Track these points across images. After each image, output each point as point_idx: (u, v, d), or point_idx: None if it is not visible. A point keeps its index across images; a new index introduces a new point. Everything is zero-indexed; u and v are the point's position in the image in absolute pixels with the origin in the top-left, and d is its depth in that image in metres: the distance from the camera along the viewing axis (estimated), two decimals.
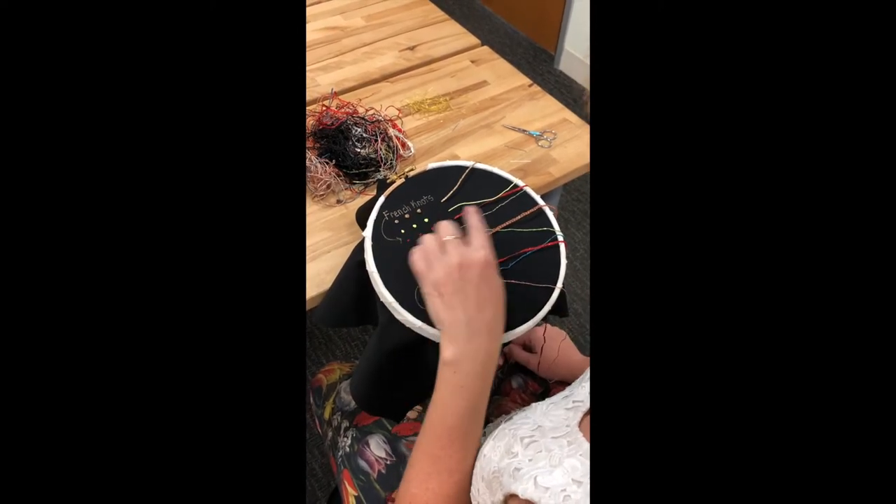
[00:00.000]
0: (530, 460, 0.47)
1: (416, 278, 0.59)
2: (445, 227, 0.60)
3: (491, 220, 0.69)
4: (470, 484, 0.55)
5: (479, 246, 0.58)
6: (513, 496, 0.47)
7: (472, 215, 0.61)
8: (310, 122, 0.90)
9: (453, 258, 0.56)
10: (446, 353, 0.55)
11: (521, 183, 0.72)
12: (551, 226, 0.69)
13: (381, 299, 0.63)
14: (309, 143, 0.88)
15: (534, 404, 0.58)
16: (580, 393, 0.54)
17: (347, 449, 0.79)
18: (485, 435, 0.60)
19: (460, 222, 0.68)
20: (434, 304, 0.57)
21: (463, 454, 0.54)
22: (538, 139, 0.94)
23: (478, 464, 0.55)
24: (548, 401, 0.57)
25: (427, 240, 0.59)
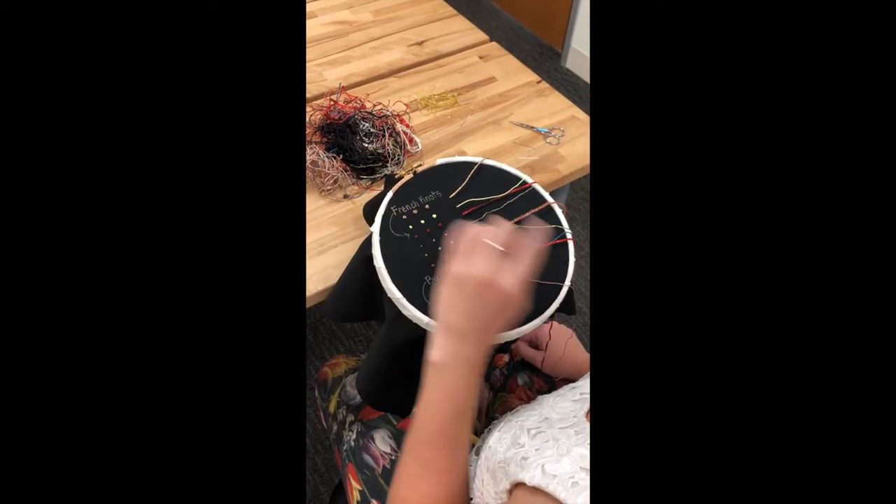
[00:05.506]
0: (537, 450, 0.47)
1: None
2: (504, 233, 0.53)
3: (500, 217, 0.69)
4: (462, 485, 0.54)
5: (515, 275, 0.52)
6: (520, 484, 0.47)
7: (536, 234, 0.56)
8: (317, 116, 0.90)
9: (488, 272, 0.51)
10: (433, 353, 0.53)
11: (529, 179, 0.72)
12: (560, 223, 0.69)
13: (389, 295, 0.63)
14: (316, 138, 0.87)
15: (540, 397, 0.58)
16: (587, 385, 0.54)
17: (352, 443, 0.79)
18: (490, 429, 0.59)
19: (466, 220, 0.68)
20: (443, 294, 0.53)
21: (452, 457, 0.53)
22: (546, 136, 0.93)
23: (483, 455, 0.55)
24: (554, 393, 0.57)
25: (486, 232, 0.53)
